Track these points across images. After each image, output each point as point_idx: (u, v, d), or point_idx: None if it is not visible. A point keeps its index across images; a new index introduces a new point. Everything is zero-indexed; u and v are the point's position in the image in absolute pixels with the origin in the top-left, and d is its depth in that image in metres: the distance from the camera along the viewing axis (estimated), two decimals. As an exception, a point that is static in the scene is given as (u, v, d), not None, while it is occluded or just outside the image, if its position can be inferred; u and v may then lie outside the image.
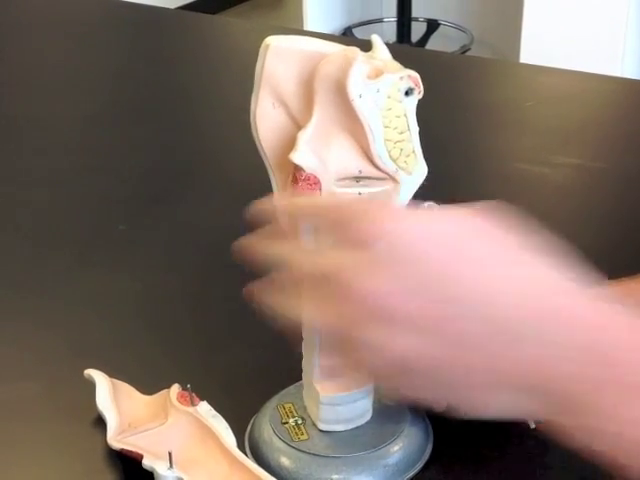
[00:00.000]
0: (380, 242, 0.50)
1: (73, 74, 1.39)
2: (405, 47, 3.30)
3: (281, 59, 0.57)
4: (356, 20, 3.76)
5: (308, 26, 3.48)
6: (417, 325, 0.50)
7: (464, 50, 3.52)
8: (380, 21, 3.85)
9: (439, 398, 0.55)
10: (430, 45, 3.66)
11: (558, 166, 1.09)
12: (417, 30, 3.69)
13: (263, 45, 0.57)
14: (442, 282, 0.50)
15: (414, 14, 3.65)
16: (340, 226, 0.53)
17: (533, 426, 0.68)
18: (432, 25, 3.75)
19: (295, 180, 0.57)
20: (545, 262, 0.52)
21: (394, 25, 3.67)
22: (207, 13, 1.96)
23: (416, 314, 0.50)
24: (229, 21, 2.53)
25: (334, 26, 3.66)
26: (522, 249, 0.52)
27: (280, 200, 0.58)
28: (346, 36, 3.55)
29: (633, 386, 0.50)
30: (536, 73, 1.42)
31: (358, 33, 3.66)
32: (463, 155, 1.15)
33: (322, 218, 0.56)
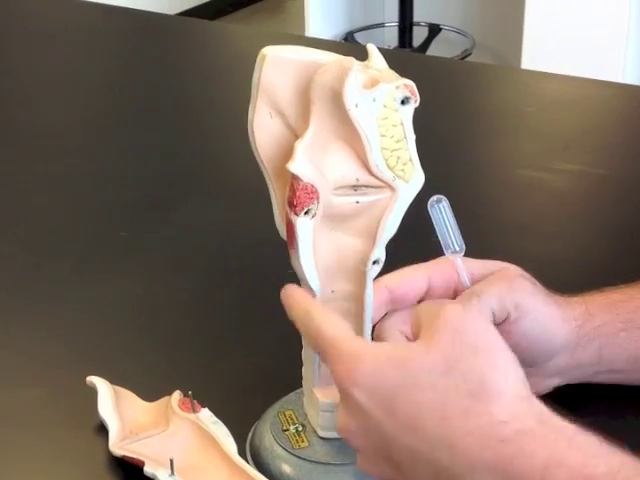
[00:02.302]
0: (340, 390, 0.57)
1: (73, 80, 1.40)
2: (406, 52, 3.30)
3: (278, 69, 0.57)
4: (358, 25, 3.76)
5: (309, 31, 3.47)
6: (371, 458, 0.57)
7: (466, 55, 3.52)
8: (382, 26, 3.85)
9: None
10: (432, 50, 3.66)
11: (559, 172, 1.09)
12: (419, 35, 3.69)
13: (260, 55, 0.57)
14: (381, 431, 0.55)
15: (416, 19, 3.65)
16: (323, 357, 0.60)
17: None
18: (434, 30, 3.74)
19: (292, 189, 0.57)
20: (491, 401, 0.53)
21: (396, 30, 3.67)
22: (207, 19, 1.96)
23: (367, 452, 0.57)
24: (230, 27, 2.53)
25: (335, 31, 3.66)
26: (474, 387, 0.53)
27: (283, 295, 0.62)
28: (347, 41, 3.55)
29: None
30: (537, 79, 1.42)
31: (360, 38, 3.66)
32: (464, 160, 1.15)
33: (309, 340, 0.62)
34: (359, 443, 0.57)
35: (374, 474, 0.58)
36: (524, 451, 0.51)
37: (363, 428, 0.56)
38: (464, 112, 1.28)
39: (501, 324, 0.67)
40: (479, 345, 0.54)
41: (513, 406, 0.52)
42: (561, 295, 0.71)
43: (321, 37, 3.30)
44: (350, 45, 2.94)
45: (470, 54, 3.54)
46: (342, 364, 0.56)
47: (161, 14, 1.77)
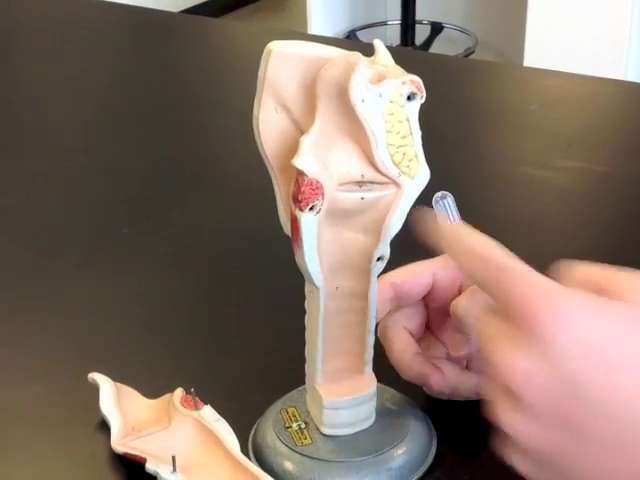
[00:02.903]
0: (529, 328, 0.49)
1: (75, 77, 1.40)
2: (409, 50, 3.30)
3: (284, 64, 0.57)
4: (360, 23, 3.76)
5: (312, 29, 3.48)
6: (540, 417, 0.49)
7: (468, 53, 3.53)
8: (384, 24, 3.86)
9: None
10: (434, 48, 3.67)
11: (562, 169, 1.09)
12: (421, 33, 3.70)
13: (266, 50, 0.57)
14: (575, 385, 0.48)
15: (418, 17, 3.66)
16: (496, 291, 0.52)
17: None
18: (436, 28, 3.75)
19: (297, 185, 0.57)
20: None
21: (398, 28, 3.68)
22: (210, 17, 1.96)
23: (543, 407, 0.49)
24: (232, 24, 2.53)
25: (338, 29, 3.66)
26: None
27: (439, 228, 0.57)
28: (350, 39, 3.55)
29: None
30: (540, 76, 1.42)
31: (362, 36, 3.66)
32: (467, 158, 1.15)
33: (478, 272, 0.54)
34: (537, 394, 0.48)
35: (534, 438, 0.49)
36: None
37: (555, 379, 0.47)
38: (467, 110, 1.28)
39: None
40: None
41: None
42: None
43: (323, 35, 3.30)
44: (353, 43, 2.94)
45: (473, 52, 3.54)
46: (545, 307, 0.48)
47: (164, 11, 1.77)
